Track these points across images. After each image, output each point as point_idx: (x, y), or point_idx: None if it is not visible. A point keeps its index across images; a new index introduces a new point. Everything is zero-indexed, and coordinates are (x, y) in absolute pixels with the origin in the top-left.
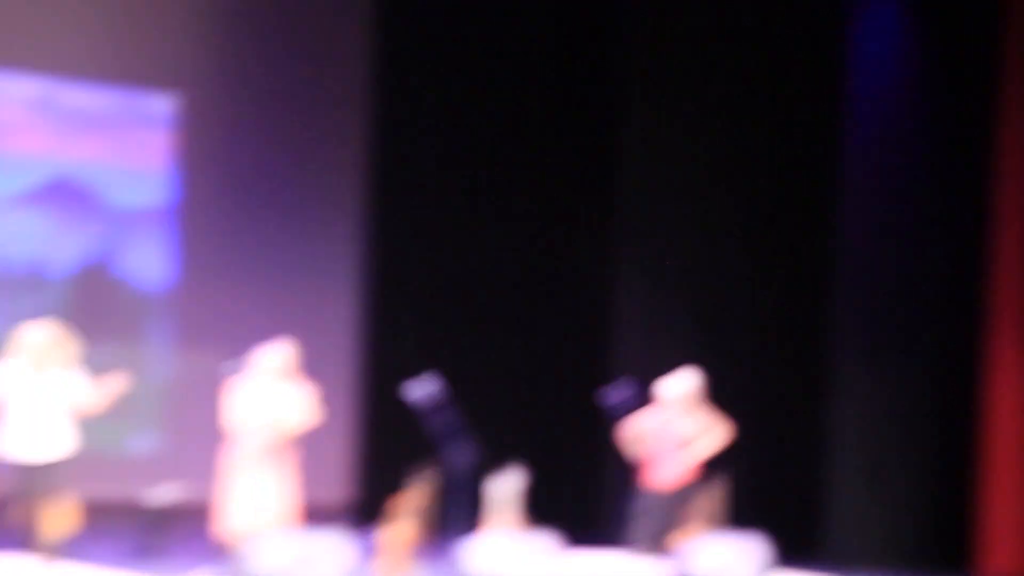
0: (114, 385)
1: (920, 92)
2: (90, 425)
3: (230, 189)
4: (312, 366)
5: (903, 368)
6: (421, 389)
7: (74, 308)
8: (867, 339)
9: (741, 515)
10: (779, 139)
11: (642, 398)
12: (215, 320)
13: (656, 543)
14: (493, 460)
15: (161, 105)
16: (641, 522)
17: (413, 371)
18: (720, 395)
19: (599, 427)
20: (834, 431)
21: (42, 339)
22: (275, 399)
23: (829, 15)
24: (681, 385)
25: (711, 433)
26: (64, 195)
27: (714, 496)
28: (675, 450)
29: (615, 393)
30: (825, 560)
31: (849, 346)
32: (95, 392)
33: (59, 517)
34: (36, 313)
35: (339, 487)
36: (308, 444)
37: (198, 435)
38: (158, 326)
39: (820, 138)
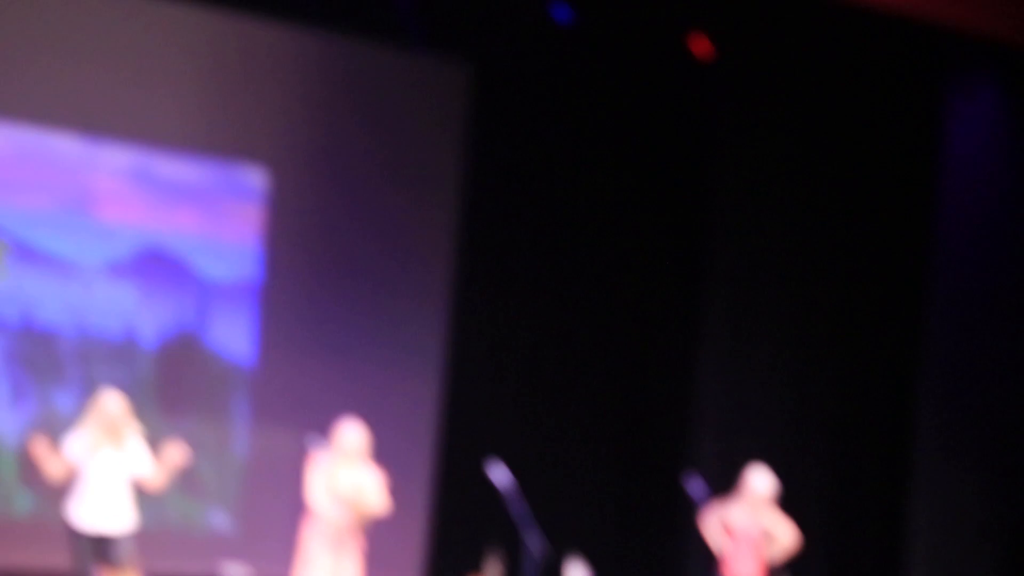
0: (174, 457)
1: (1016, 178)
2: (168, 500)
3: (316, 267)
4: (387, 448)
5: (987, 471)
6: (497, 472)
7: (159, 380)
8: (951, 439)
9: None
10: (870, 231)
11: (717, 492)
12: (295, 398)
13: None
14: (563, 551)
15: (252, 179)
16: None
17: (488, 457)
18: (798, 495)
19: (673, 520)
20: (913, 535)
21: (116, 409)
22: (353, 481)
23: (926, 99)
24: (761, 481)
25: (785, 534)
26: (154, 266)
27: None
28: (752, 547)
29: (691, 483)
30: None
31: (932, 447)
32: (157, 466)
33: None
34: (122, 383)
35: (407, 573)
36: (380, 529)
37: (274, 514)
38: (240, 401)
39: (912, 227)
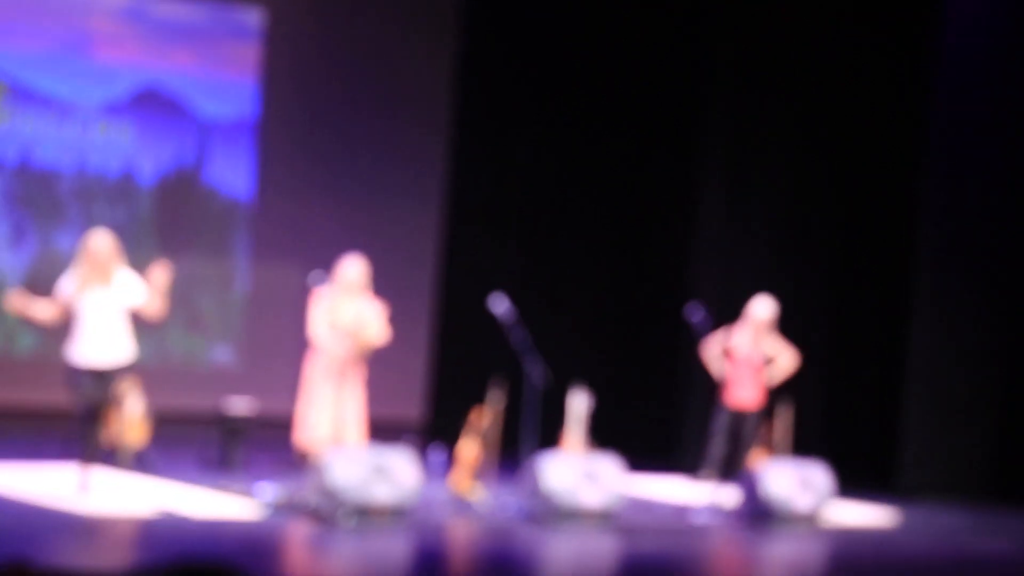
0: (160, 277)
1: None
2: (172, 336)
3: (314, 104)
4: (388, 281)
5: (983, 300)
6: (498, 305)
7: (159, 217)
8: (952, 261)
9: (809, 442)
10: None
11: (719, 320)
12: (295, 234)
13: (727, 465)
14: (564, 380)
15: (249, 18)
16: (715, 441)
17: (489, 290)
18: (797, 320)
19: (675, 348)
20: (910, 360)
21: (103, 247)
22: (355, 314)
23: None
24: (763, 308)
25: (785, 357)
26: (152, 105)
27: (782, 422)
28: (753, 372)
29: (694, 313)
30: (894, 490)
31: (933, 270)
32: (149, 291)
33: (132, 427)
34: (121, 222)
35: (411, 404)
36: (382, 361)
37: (277, 348)
38: (240, 237)
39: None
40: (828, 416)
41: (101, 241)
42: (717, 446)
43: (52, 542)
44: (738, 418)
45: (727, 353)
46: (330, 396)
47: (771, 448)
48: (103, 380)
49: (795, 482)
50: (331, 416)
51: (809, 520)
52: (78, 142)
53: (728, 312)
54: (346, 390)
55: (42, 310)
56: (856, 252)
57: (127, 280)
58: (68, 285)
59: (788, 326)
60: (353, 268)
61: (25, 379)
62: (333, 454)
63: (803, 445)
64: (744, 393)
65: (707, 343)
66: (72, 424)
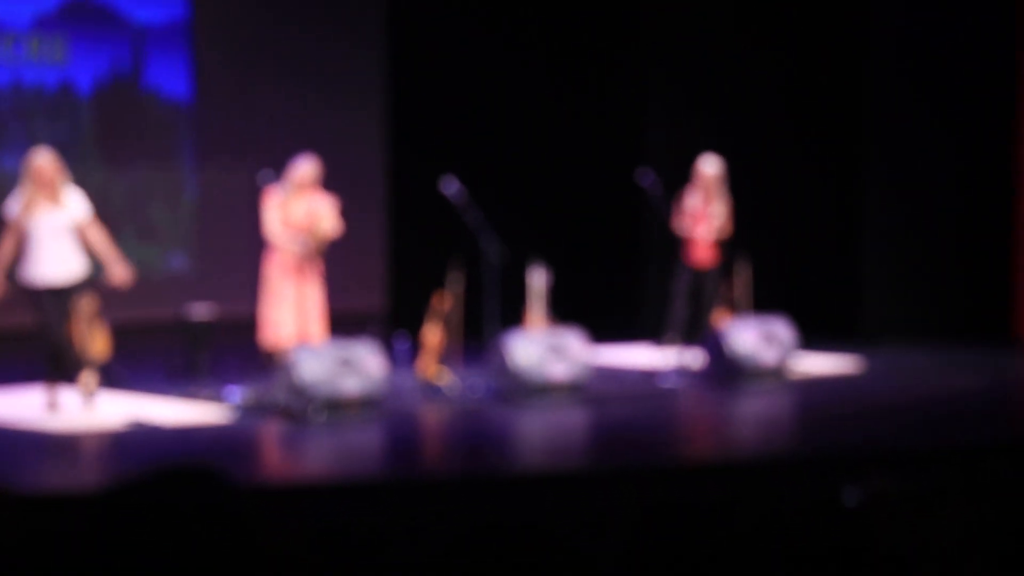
0: (121, 274)
1: None
2: (126, 248)
3: (247, 6)
4: (338, 173)
5: (939, 133)
6: (450, 187)
7: (101, 129)
8: (902, 105)
9: (770, 298)
10: None
11: (670, 183)
12: (239, 134)
13: (690, 327)
14: (521, 257)
15: None
16: (676, 304)
17: (440, 173)
18: (751, 176)
19: (629, 215)
20: (866, 207)
21: (47, 165)
22: (307, 210)
23: None
24: (710, 166)
25: (725, 212)
26: (82, 16)
27: (742, 279)
28: (707, 229)
29: (644, 177)
30: (857, 338)
31: (883, 115)
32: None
33: (94, 341)
34: (63, 137)
35: (372, 295)
36: (340, 254)
37: (231, 251)
38: (184, 142)
39: None
40: (787, 270)
41: (45, 160)
42: (679, 308)
43: (25, 464)
44: (698, 278)
45: (681, 214)
46: (291, 294)
47: (733, 306)
48: (61, 298)
49: (759, 337)
50: (293, 313)
51: (776, 374)
52: (11, 60)
53: (680, 175)
54: (306, 286)
55: (4, 251)
56: (808, 104)
57: (73, 198)
58: (14, 207)
59: (742, 183)
60: (303, 165)
61: None
62: (299, 351)
63: (764, 301)
64: (701, 253)
65: (657, 206)
66: (35, 345)
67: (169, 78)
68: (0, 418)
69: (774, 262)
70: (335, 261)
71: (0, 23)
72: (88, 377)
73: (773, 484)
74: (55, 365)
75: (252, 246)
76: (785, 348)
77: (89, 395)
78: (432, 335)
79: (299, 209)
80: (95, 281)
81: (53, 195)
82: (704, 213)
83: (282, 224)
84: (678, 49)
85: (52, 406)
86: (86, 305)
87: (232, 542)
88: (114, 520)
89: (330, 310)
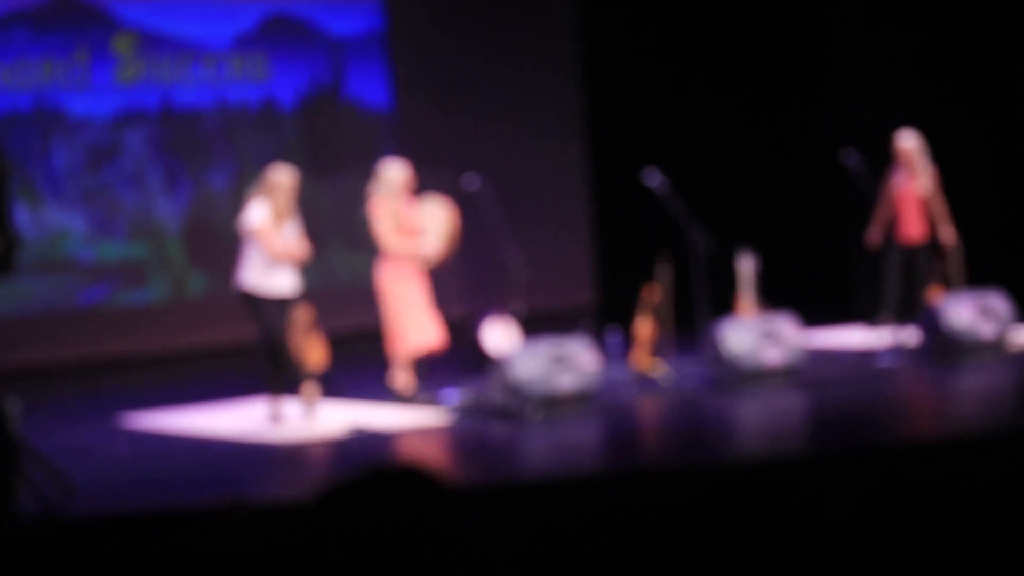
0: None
1: None
2: (335, 259)
3: (439, 6)
4: (540, 173)
5: None
6: (653, 179)
7: (305, 142)
8: None
9: (980, 272)
10: None
11: (875, 163)
12: (439, 139)
13: (904, 305)
14: (728, 245)
15: None
16: (889, 283)
17: (642, 166)
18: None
19: (834, 197)
20: None
21: (293, 181)
22: (417, 217)
23: None
24: (908, 141)
25: (930, 184)
26: (282, 32)
27: (954, 254)
28: (915, 206)
29: (849, 157)
30: None
31: None
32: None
33: (312, 352)
34: (269, 152)
35: (581, 291)
36: (548, 252)
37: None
38: (387, 150)
39: None
40: (997, 243)
41: (287, 175)
42: (892, 287)
43: (252, 476)
44: (909, 255)
45: (887, 192)
46: (417, 297)
47: (946, 281)
48: (285, 309)
49: (976, 312)
50: (428, 315)
51: (995, 348)
52: (215, 81)
53: (885, 153)
54: (422, 289)
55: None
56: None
57: (295, 223)
58: (261, 218)
59: (940, 155)
60: (391, 170)
61: (201, 320)
62: (513, 351)
63: (978, 275)
64: (910, 229)
65: (864, 187)
66: (253, 357)
67: (368, 89)
68: (225, 432)
69: (984, 235)
70: (543, 258)
71: (202, 44)
72: (310, 388)
73: (998, 461)
74: (278, 376)
75: (462, 248)
76: (1003, 322)
77: (311, 405)
78: (643, 327)
79: (410, 216)
80: (308, 291)
81: (290, 210)
82: (909, 189)
83: (396, 232)
84: (869, 29)
85: (276, 418)
86: (303, 316)
87: (447, 545)
88: (328, 525)
89: (540, 307)
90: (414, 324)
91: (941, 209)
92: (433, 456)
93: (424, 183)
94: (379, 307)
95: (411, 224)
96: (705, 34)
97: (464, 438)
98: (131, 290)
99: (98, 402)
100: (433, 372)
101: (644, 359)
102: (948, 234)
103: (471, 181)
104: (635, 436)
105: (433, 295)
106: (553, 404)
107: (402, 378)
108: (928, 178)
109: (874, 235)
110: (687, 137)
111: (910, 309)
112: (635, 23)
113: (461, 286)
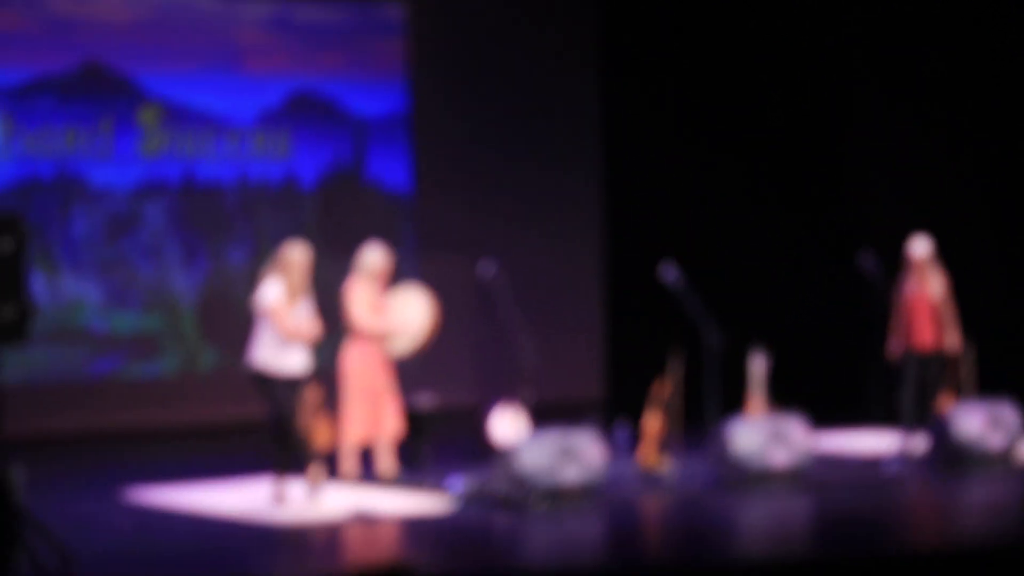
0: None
1: None
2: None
3: (462, 92)
4: (555, 263)
5: None
6: (669, 274)
7: (324, 220)
8: None
9: (991, 380)
10: None
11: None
12: (458, 223)
13: (917, 411)
14: (741, 343)
15: (391, 15)
16: (905, 389)
17: (657, 261)
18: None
19: (848, 299)
20: None
21: (308, 260)
22: (390, 305)
23: None
24: (920, 247)
25: (942, 291)
26: (306, 110)
27: (966, 361)
28: (927, 313)
29: (866, 261)
30: None
31: None
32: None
33: (320, 432)
34: (287, 229)
35: (591, 383)
36: (559, 343)
37: (449, 339)
38: (406, 232)
39: None
40: (1012, 351)
41: (302, 254)
42: (906, 395)
43: (254, 556)
44: (921, 362)
45: (900, 299)
46: (376, 387)
47: (958, 389)
48: (295, 388)
49: (985, 422)
50: (379, 407)
51: (1003, 459)
52: (237, 156)
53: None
54: (385, 379)
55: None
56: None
57: (309, 302)
58: (275, 296)
59: (956, 262)
60: (371, 254)
61: (211, 395)
62: (520, 441)
63: (989, 384)
64: (923, 336)
65: (877, 290)
66: (261, 435)
67: (390, 170)
68: (228, 509)
69: (997, 342)
70: (554, 349)
71: (226, 120)
72: (316, 469)
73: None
74: (284, 456)
75: (474, 335)
76: (1012, 433)
77: (316, 487)
78: (653, 423)
79: (382, 301)
80: (318, 371)
81: (304, 287)
82: (922, 295)
83: (372, 312)
84: (892, 128)
85: (280, 498)
86: (312, 396)
87: None
88: None
89: (549, 398)
90: (359, 414)
91: (950, 315)
92: (431, 544)
93: (440, 267)
94: (339, 389)
95: (382, 310)
96: (725, 132)
97: (466, 527)
98: (142, 362)
99: (104, 474)
100: (439, 458)
101: (652, 454)
102: (954, 341)
103: (486, 268)
104: (638, 532)
105: (398, 382)
106: (557, 496)
107: (346, 464)
108: (940, 284)
109: (894, 347)
110: (704, 233)
111: (922, 416)
112: (657, 119)
113: (471, 373)
